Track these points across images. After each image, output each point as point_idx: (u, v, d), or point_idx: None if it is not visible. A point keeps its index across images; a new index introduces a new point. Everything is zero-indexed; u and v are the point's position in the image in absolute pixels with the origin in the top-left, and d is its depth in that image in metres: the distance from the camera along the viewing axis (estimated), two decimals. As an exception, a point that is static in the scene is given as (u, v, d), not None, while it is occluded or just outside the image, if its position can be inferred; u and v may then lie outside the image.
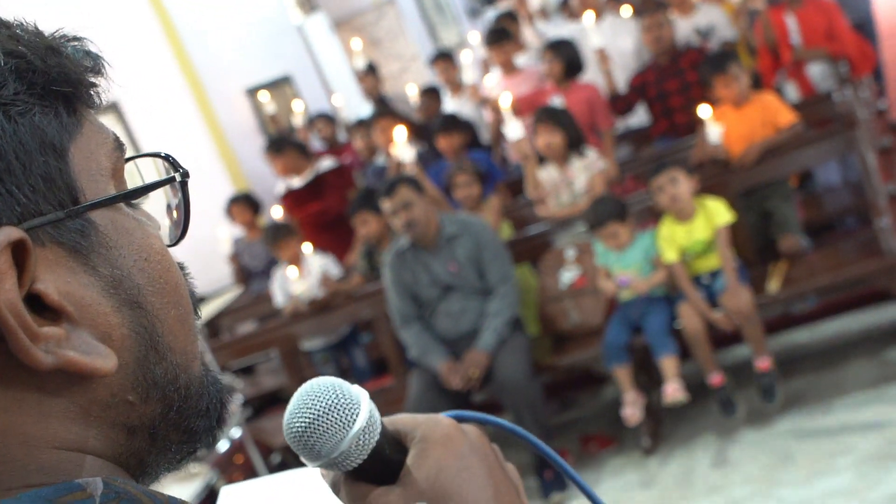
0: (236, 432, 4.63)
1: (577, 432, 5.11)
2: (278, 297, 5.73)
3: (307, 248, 5.68)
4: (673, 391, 4.45)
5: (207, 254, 6.99)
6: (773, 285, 4.56)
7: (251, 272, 6.68)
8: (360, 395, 0.74)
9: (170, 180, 0.66)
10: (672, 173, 4.45)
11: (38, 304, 0.56)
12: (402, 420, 0.76)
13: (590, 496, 0.83)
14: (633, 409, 4.51)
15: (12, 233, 0.54)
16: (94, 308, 0.57)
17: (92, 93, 0.62)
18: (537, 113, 5.31)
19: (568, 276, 4.95)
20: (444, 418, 0.76)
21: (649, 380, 4.96)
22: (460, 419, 0.78)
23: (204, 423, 0.65)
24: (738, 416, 4.46)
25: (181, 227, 0.68)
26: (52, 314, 0.56)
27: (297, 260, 5.64)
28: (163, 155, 0.67)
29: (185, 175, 0.66)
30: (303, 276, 5.54)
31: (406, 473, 0.72)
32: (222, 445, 4.52)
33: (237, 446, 4.57)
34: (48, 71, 0.58)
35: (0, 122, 0.55)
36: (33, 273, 0.55)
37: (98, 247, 0.58)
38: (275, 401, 6.13)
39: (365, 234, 5.54)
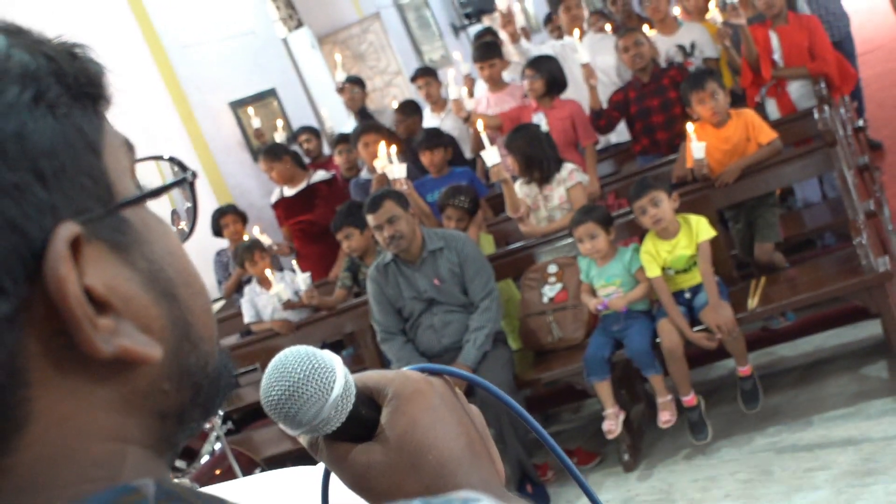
0: (218, 446, 4.61)
1: (558, 447, 5.10)
2: (247, 314, 5.78)
3: (293, 264, 5.71)
4: (666, 420, 4.52)
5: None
6: (753, 302, 4.59)
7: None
8: (334, 361, 0.76)
9: (182, 181, 0.68)
10: (653, 194, 4.45)
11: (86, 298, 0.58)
12: (372, 378, 0.79)
13: (577, 478, 0.86)
14: (612, 423, 4.53)
15: (73, 228, 0.56)
16: (136, 301, 0.59)
17: (107, 95, 0.64)
18: (506, 141, 5.35)
19: (550, 291, 4.97)
20: (413, 373, 0.79)
21: (630, 396, 4.98)
22: (427, 372, 0.81)
23: (220, 398, 0.68)
24: (707, 440, 4.44)
25: (189, 226, 0.70)
26: (98, 308, 0.58)
27: (266, 277, 5.74)
28: (167, 158, 0.70)
29: (194, 175, 0.69)
30: (278, 280, 5.61)
31: (382, 430, 0.75)
32: (203, 459, 4.50)
33: (217, 460, 4.56)
34: (76, 74, 0.60)
35: (51, 123, 0.57)
36: (83, 268, 0.56)
37: (134, 242, 0.60)
38: (257, 415, 6.12)
39: (348, 249, 5.55)
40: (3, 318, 0.54)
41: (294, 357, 0.76)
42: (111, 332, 0.57)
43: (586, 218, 4.54)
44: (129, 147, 0.65)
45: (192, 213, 0.70)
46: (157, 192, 0.64)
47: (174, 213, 0.71)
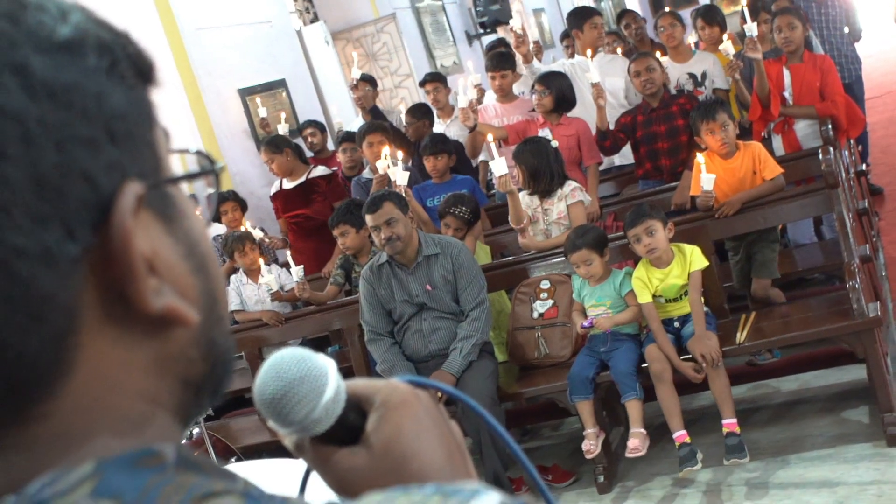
0: (196, 430, 4.60)
1: (534, 462, 5.11)
2: (232, 302, 5.80)
3: (287, 257, 5.72)
4: (634, 447, 4.42)
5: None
6: (742, 336, 4.58)
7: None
8: (327, 365, 0.78)
9: (210, 171, 0.71)
10: (649, 224, 4.43)
11: None
12: (361, 385, 0.82)
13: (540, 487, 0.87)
14: (592, 444, 4.53)
15: (139, 188, 0.59)
16: (176, 269, 0.62)
17: (157, 80, 0.67)
18: (514, 152, 5.35)
19: (541, 306, 4.97)
20: (401, 384, 0.82)
21: (610, 418, 4.98)
22: (414, 384, 0.83)
23: (227, 381, 0.71)
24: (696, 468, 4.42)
25: (211, 214, 0.73)
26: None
27: (255, 269, 5.75)
28: (194, 151, 0.73)
29: (222, 168, 0.73)
30: (267, 272, 5.65)
31: (368, 436, 0.78)
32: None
33: (194, 445, 4.55)
34: (135, 54, 0.64)
35: (122, 91, 0.61)
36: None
37: (176, 215, 0.64)
38: (237, 403, 6.12)
39: (343, 247, 5.56)
40: (70, 259, 0.56)
41: (290, 358, 0.78)
42: (157, 291, 0.60)
43: (581, 244, 4.53)
44: (166, 134, 0.68)
45: (214, 201, 0.73)
46: (198, 174, 0.69)
47: (192, 197, 0.73)
